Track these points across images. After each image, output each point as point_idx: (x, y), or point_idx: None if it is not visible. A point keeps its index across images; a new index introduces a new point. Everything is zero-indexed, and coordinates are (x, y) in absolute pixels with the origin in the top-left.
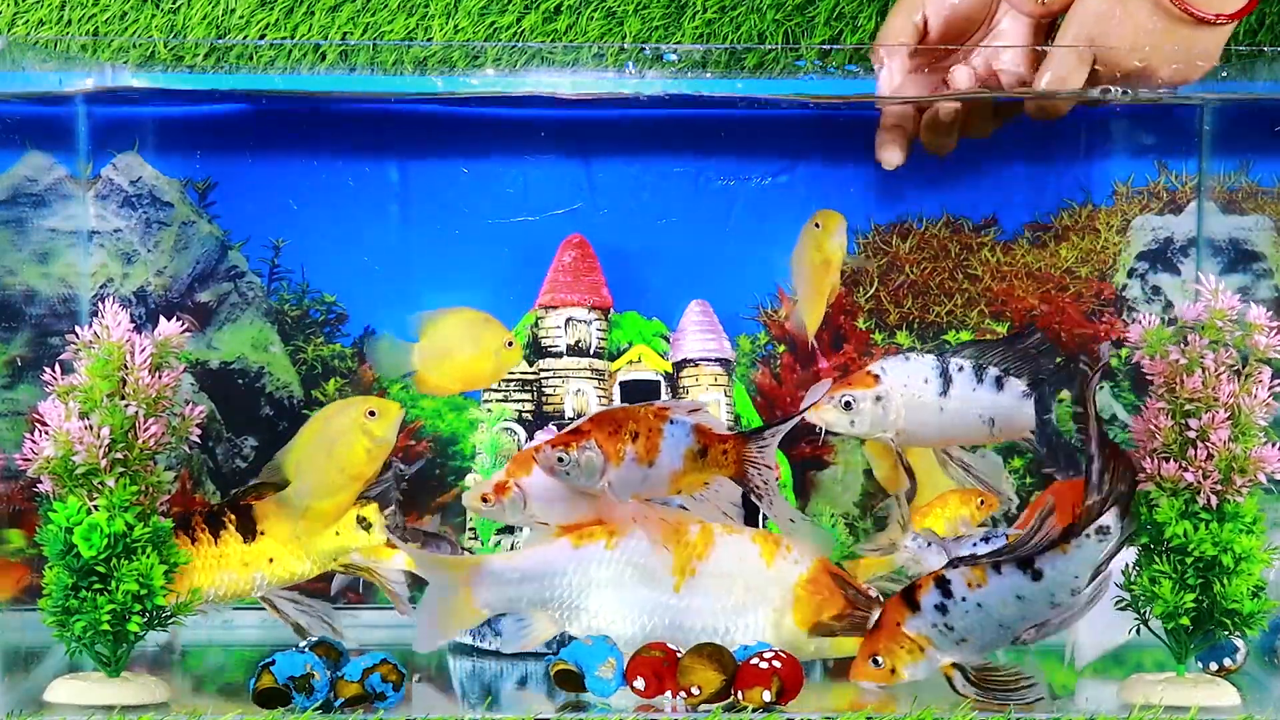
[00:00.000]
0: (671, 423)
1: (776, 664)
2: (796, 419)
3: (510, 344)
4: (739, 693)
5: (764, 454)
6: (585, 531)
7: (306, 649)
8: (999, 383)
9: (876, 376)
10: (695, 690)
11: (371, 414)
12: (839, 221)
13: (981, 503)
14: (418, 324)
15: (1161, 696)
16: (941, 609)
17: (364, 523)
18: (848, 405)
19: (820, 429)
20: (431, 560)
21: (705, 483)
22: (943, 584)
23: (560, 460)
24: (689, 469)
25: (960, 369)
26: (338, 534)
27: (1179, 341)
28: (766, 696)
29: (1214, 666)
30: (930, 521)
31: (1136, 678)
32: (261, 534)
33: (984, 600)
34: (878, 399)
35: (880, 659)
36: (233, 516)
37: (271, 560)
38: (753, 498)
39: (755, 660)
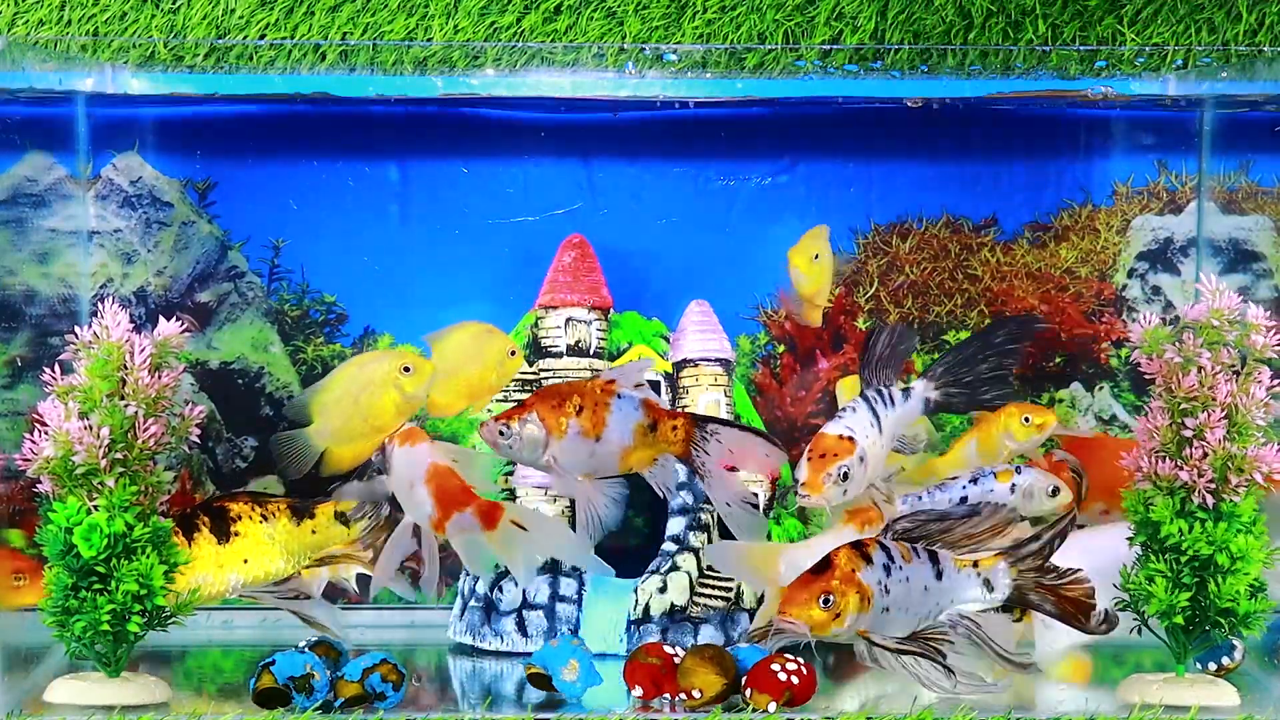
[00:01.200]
0: (619, 397)
1: (794, 680)
2: (751, 431)
3: (513, 353)
4: (748, 690)
5: (709, 441)
6: (867, 518)
7: (306, 649)
8: (891, 399)
9: (851, 438)
10: (696, 693)
11: (406, 370)
12: (809, 257)
13: (1027, 419)
14: (425, 347)
15: (1161, 696)
16: (886, 569)
17: (342, 518)
18: (845, 476)
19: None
20: (742, 556)
21: (654, 459)
22: (885, 548)
23: (502, 434)
24: (639, 444)
25: (878, 400)
26: (314, 532)
27: (1176, 341)
28: (772, 708)
29: (1212, 666)
30: (983, 432)
31: (1136, 677)
32: (236, 535)
33: (910, 575)
34: (861, 460)
35: (832, 598)
36: (205, 519)
37: (246, 561)
38: (697, 477)
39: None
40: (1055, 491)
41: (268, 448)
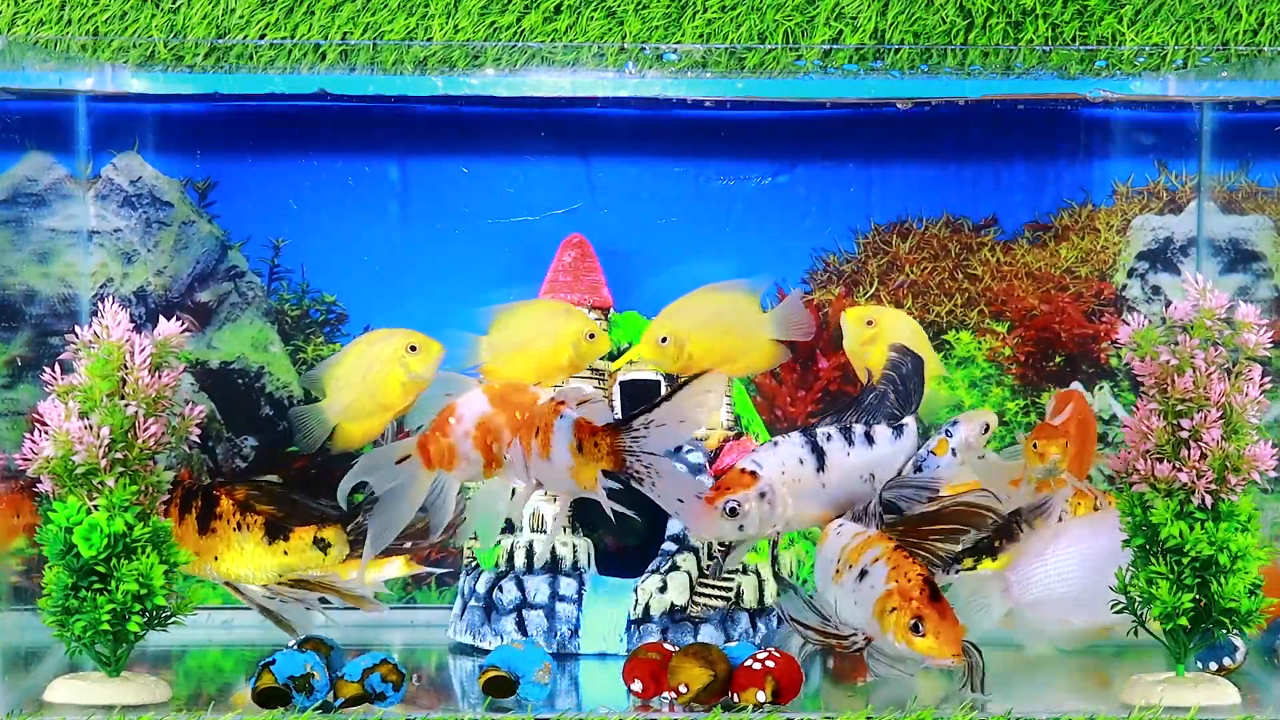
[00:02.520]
0: (561, 417)
1: (770, 664)
2: (664, 402)
3: (591, 335)
4: (735, 695)
5: (639, 442)
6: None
7: (299, 647)
8: (869, 438)
9: (754, 473)
10: (683, 688)
11: (412, 349)
12: (653, 343)
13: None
14: (487, 317)
15: (1161, 696)
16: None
17: (322, 544)
18: (733, 512)
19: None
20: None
21: (599, 475)
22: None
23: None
24: (577, 463)
25: (829, 438)
26: (286, 554)
27: (1170, 342)
28: (761, 696)
29: (1214, 666)
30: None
31: (1136, 678)
32: (213, 531)
33: None
34: (761, 495)
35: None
36: (199, 504)
37: (217, 558)
38: (634, 484)
39: (750, 662)
40: (986, 428)
41: (275, 434)
